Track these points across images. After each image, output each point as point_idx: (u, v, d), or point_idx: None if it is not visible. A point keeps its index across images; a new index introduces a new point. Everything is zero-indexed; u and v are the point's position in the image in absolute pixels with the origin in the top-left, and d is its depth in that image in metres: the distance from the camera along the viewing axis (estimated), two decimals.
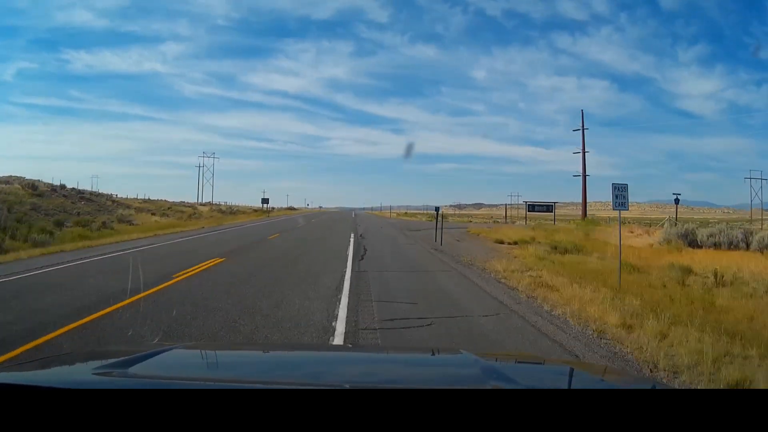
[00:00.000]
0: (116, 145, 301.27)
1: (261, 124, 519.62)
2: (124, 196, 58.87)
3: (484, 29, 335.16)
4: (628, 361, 5.23)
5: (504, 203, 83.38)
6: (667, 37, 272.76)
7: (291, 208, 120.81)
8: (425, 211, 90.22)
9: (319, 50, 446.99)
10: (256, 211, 74.52)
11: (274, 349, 3.43)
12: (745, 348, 5.24)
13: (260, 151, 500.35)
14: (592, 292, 8.60)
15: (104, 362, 1.99)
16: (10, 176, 40.26)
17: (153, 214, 43.72)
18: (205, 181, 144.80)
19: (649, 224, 39.38)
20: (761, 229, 27.97)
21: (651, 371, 4.89)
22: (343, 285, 9.47)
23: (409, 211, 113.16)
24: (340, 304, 7.72)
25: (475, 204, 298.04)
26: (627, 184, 9.94)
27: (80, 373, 1.83)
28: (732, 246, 20.18)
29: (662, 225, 30.91)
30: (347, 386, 1.61)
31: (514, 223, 51.49)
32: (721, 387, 4.32)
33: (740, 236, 20.79)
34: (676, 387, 4.37)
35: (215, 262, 12.88)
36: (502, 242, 22.24)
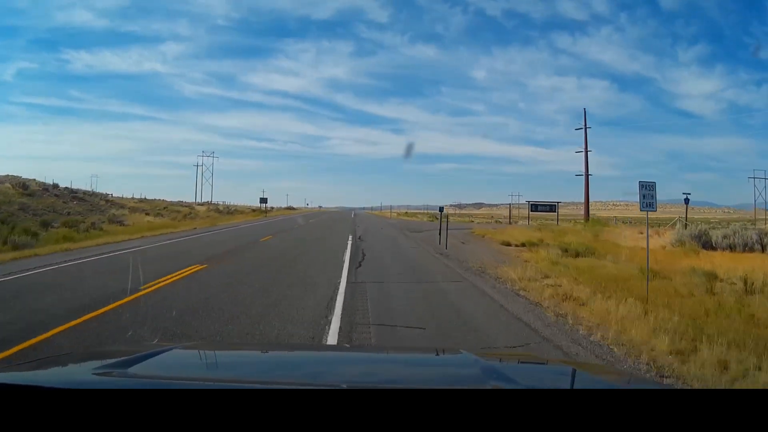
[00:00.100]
0: (116, 145, 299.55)
1: (261, 124, 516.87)
2: (121, 196, 58.19)
3: (484, 29, 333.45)
4: None
5: (504, 203, 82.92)
6: (667, 37, 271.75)
7: (290, 208, 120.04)
8: (425, 211, 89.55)
9: (319, 50, 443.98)
10: (254, 210, 74.03)
11: (273, 349, 3.39)
12: None
13: (260, 151, 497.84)
14: (621, 305, 7.76)
15: (104, 362, 1.96)
16: (7, 175, 39.56)
17: (147, 214, 42.96)
18: (204, 180, 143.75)
19: (655, 225, 38.55)
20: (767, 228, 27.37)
21: None
22: (335, 302, 8.23)
23: (409, 211, 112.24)
24: (329, 330, 6.53)
25: (476, 204, 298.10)
26: (654, 182, 9.10)
27: (80, 373, 1.81)
28: (747, 248, 19.52)
29: (673, 225, 30.16)
30: (346, 386, 1.60)
31: (516, 223, 50.72)
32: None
33: (755, 237, 20.15)
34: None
35: (192, 270, 11.72)
36: (509, 244, 21.39)
